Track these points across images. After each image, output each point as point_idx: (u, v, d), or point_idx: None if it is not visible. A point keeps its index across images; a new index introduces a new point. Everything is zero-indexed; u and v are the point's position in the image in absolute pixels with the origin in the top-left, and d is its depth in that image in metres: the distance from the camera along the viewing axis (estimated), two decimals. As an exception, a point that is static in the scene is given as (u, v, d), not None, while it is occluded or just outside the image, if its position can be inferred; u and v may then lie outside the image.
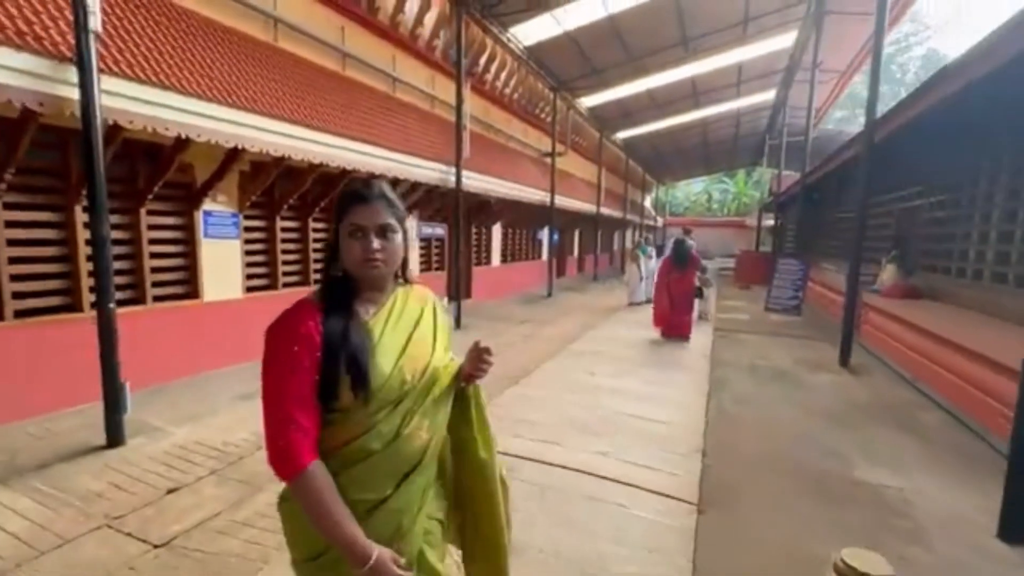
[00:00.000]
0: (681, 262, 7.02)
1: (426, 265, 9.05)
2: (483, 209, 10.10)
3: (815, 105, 17.10)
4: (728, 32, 10.48)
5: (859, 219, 5.69)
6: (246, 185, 5.29)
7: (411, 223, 8.23)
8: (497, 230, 11.54)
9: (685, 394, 4.59)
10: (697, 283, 7.30)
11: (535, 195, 11.17)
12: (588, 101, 13.81)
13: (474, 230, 10.53)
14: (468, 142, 7.68)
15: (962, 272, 5.72)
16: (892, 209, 7.59)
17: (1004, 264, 4.92)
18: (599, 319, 8.68)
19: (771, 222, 20.06)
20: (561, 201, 12.73)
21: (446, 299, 8.13)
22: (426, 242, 9.00)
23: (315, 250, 6.37)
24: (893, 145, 6.07)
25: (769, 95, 16.04)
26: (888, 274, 6.71)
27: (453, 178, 7.45)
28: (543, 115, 13.41)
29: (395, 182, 6.86)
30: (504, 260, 12.04)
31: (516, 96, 11.82)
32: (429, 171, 7.13)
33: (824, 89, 15.56)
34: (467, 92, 8.41)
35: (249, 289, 5.55)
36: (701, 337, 7.38)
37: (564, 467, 3.05)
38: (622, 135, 18.35)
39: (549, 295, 11.97)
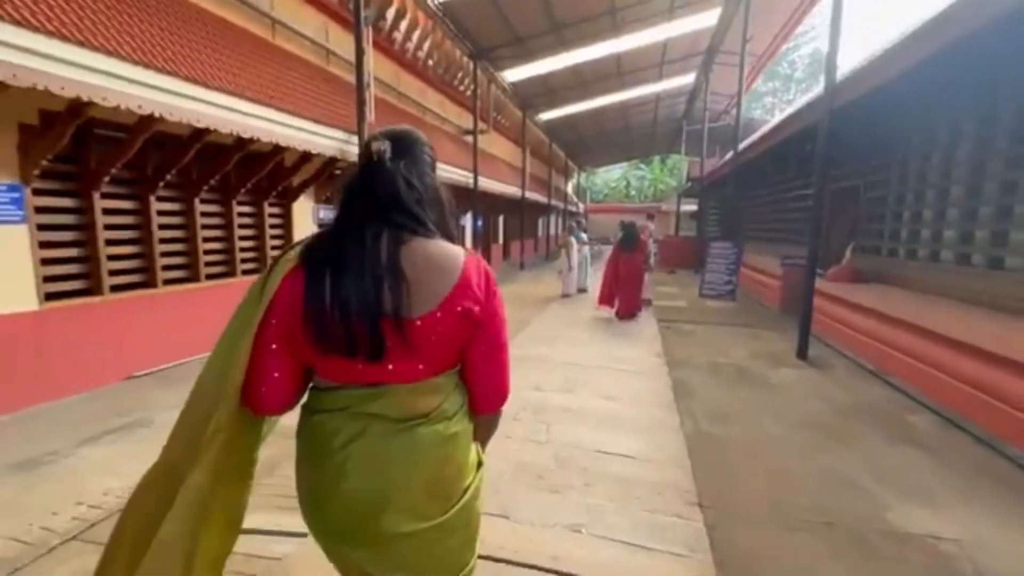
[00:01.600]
0: (628, 245, 7.28)
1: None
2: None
3: (731, 92, 17.62)
4: (657, 2, 9.89)
5: (817, 197, 5.18)
6: (30, 145, 3.60)
7: (305, 205, 6.71)
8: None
9: (651, 410, 3.74)
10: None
11: (455, 175, 9.95)
12: (511, 75, 12.74)
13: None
14: (373, 105, 6.30)
15: (913, 254, 5.45)
16: (836, 188, 7.34)
17: (968, 244, 4.60)
18: (533, 313, 7.74)
19: (690, 207, 20.49)
20: (485, 183, 11.62)
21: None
22: (327, 229, 7.49)
23: (162, 240, 4.75)
24: (847, 117, 5.63)
25: (689, 78, 16.00)
26: (847, 259, 6.38)
27: (355, 148, 6.05)
28: (462, 88, 12.15)
29: (276, 149, 5.35)
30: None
31: (432, 63, 10.45)
32: (324, 139, 5.69)
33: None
34: (371, 49, 6.98)
35: (51, 296, 3.88)
36: (646, 327, 6.71)
37: (521, 565, 2.00)
38: (546, 116, 17.55)
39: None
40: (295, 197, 6.40)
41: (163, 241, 4.80)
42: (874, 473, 2.84)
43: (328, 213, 7.13)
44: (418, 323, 0.90)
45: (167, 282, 4.86)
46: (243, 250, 5.81)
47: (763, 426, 3.51)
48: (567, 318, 7.48)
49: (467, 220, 12.56)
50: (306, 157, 5.83)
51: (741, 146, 9.76)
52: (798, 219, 8.86)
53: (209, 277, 5.35)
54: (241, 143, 4.86)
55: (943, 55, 4.00)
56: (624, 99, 16.80)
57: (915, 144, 5.46)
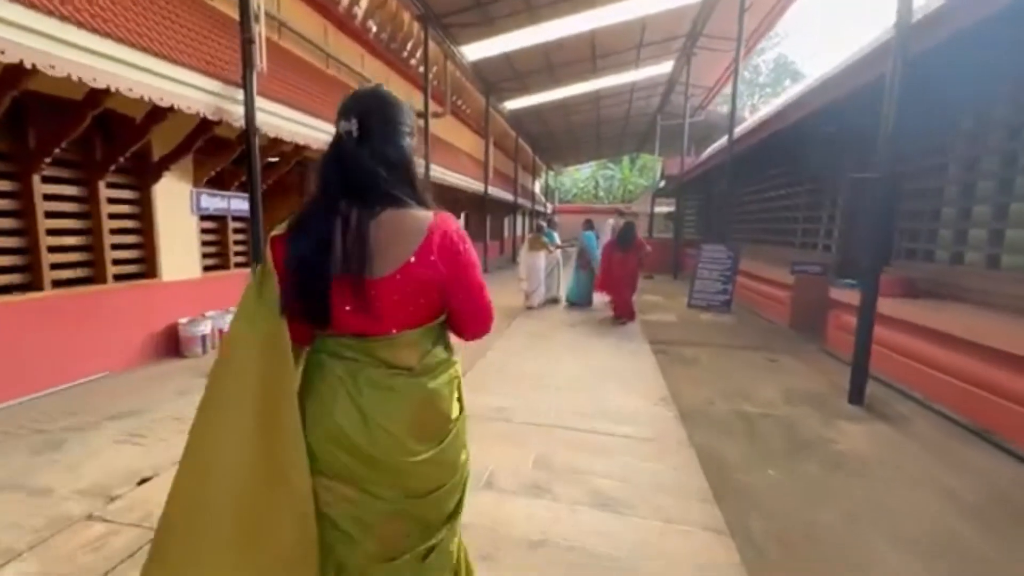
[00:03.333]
0: (624, 244, 7.03)
1: (219, 261, 5.68)
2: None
3: (708, 84, 16.54)
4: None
5: (882, 184, 3.72)
6: None
7: (176, 188, 4.86)
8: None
9: (684, 538, 2.16)
10: None
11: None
12: (472, 52, 11.08)
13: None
14: (264, 49, 4.53)
15: (995, 261, 4.10)
16: (858, 178, 6.02)
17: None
18: (492, 335, 6.09)
19: (664, 208, 19.33)
20: (440, 174, 9.93)
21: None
22: (216, 223, 5.63)
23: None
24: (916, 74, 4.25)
25: (666, 67, 14.77)
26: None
27: (240, 106, 4.25)
28: (414, 62, 10.42)
29: (98, 93, 3.53)
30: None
31: (374, 26, 8.69)
32: (189, 88, 3.88)
33: (719, 65, 14.76)
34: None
35: None
36: (640, 353, 5.19)
37: None
38: (512, 105, 15.97)
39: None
40: (156, 176, 4.56)
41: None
42: None
43: (213, 201, 5.28)
44: (380, 283, 1.01)
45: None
46: (54, 249, 3.93)
47: (883, 561, 1.99)
48: (536, 341, 5.87)
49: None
50: (160, 113, 4.01)
51: (739, 130, 8.42)
52: (809, 218, 7.58)
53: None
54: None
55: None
56: (597, 88, 15.43)
57: (997, 115, 4.13)
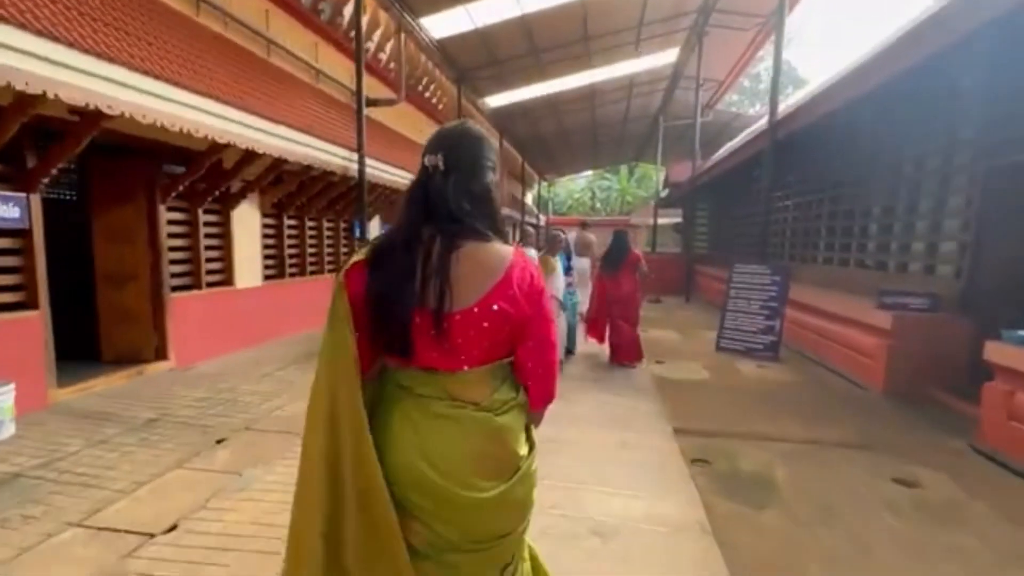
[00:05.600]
0: (613, 262, 5.31)
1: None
2: (217, 170, 4.80)
3: (719, 76, 14.46)
4: None
5: None
6: None
7: None
8: (250, 215, 6.12)
9: None
10: None
11: (336, 158, 6.05)
12: (433, 24, 8.95)
13: (177, 212, 5.06)
14: None
15: None
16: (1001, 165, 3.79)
17: None
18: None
19: (669, 220, 17.13)
20: (394, 176, 7.72)
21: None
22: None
23: None
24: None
25: (670, 56, 12.72)
26: None
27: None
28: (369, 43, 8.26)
29: None
30: (274, 276, 6.64)
31: (292, -21, 6.55)
32: None
33: (731, 52, 12.72)
34: None
35: None
36: (667, 490, 2.84)
37: None
38: (494, 102, 13.89)
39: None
40: None
41: None
42: None
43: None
44: (456, 317, 1.00)
45: None
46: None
47: None
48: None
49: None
50: None
51: (785, 107, 6.16)
52: (886, 227, 5.34)
53: None
54: None
55: None
56: (591, 82, 13.36)
57: None
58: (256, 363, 5.28)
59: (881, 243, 5.47)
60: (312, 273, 7.48)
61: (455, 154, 1.06)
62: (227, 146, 4.48)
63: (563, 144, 20.54)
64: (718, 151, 12.47)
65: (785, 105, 6.30)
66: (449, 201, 1.02)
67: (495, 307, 1.00)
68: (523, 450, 1.09)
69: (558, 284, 4.91)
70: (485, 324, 1.00)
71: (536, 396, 1.13)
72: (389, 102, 8.46)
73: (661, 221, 16.58)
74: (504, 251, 1.05)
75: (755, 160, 7.38)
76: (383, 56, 9.10)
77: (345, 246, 8.22)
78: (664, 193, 17.76)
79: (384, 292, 0.98)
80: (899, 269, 5.13)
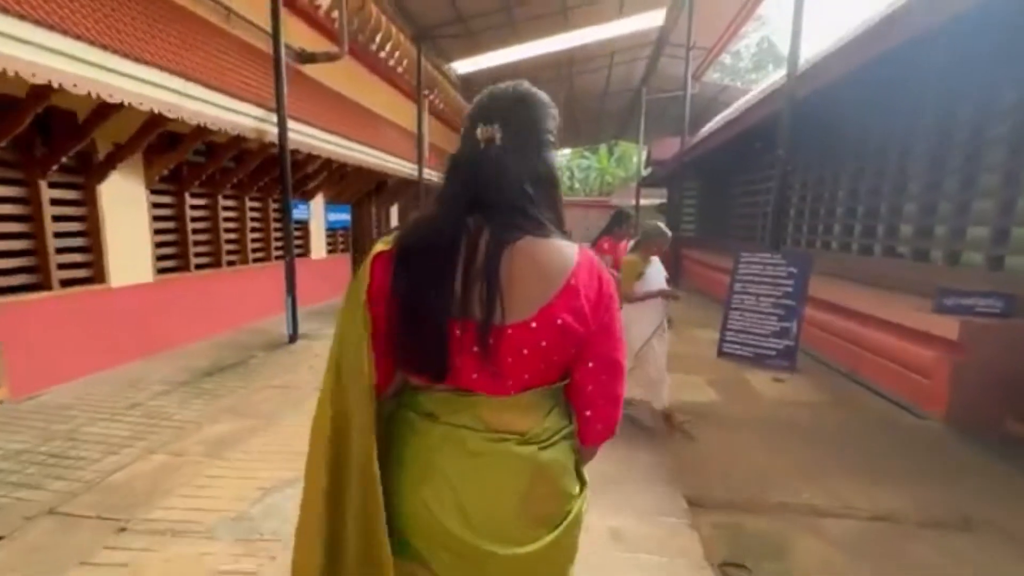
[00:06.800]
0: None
1: None
2: (65, 128, 3.44)
3: (708, 43, 13.31)
4: None
5: None
6: None
7: None
8: (130, 191, 4.74)
9: None
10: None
11: (261, 122, 4.73)
12: (383, -34, 7.52)
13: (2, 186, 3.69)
14: None
15: None
16: None
17: None
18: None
19: (651, 200, 16.07)
20: (332, 145, 6.40)
21: None
22: None
23: None
24: None
25: (657, 18, 11.49)
26: None
27: None
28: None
29: None
30: (173, 269, 5.30)
31: None
32: None
33: (721, 16, 11.56)
34: None
35: None
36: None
37: None
38: (462, 67, 12.48)
39: (293, 338, 5.59)
40: None
41: None
42: None
43: None
44: (508, 332, 0.77)
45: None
46: None
47: None
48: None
49: (302, 210, 7.18)
50: None
51: (808, 58, 5.01)
52: (928, 206, 4.32)
53: None
54: None
55: None
56: (570, 47, 12.05)
57: None
58: (131, 385, 4.01)
59: (922, 227, 4.46)
60: (232, 264, 6.15)
61: (516, 123, 0.83)
62: (56, 90, 3.13)
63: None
64: (705, 126, 11.42)
65: (768, 83, 5.15)
66: (511, 183, 0.81)
67: (559, 321, 0.77)
68: (575, 488, 0.87)
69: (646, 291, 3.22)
70: (543, 343, 0.78)
71: (591, 430, 0.88)
72: (329, 57, 7.08)
73: (643, 202, 15.53)
74: (568, 249, 0.81)
75: (761, 129, 6.27)
76: (322, 2, 7.63)
77: (279, 230, 6.88)
78: (647, 172, 16.72)
79: (415, 295, 0.77)
80: (949, 260, 4.14)
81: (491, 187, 0.81)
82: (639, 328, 3.19)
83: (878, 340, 4.03)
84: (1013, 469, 2.81)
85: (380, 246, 0.83)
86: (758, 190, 7.88)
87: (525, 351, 0.78)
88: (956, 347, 3.28)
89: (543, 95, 0.89)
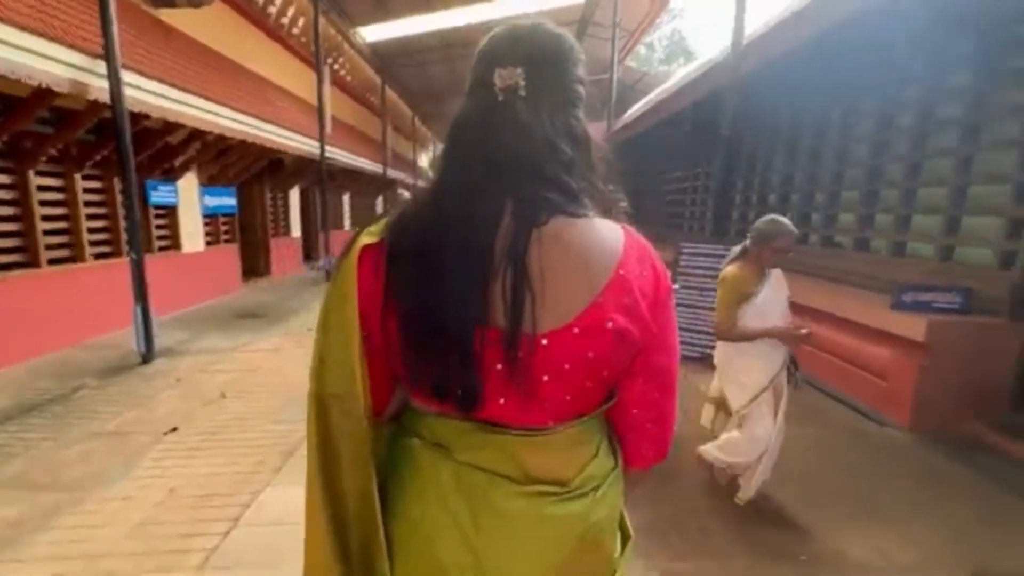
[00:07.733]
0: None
1: None
2: None
3: (630, 27, 13.04)
4: None
5: None
6: None
7: None
8: None
9: None
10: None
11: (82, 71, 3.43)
12: None
13: None
14: None
15: None
16: None
17: None
18: None
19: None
20: (199, 111, 5.11)
21: None
22: None
23: None
24: None
25: (581, -7, 10.96)
26: None
27: None
28: None
29: None
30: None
31: None
32: None
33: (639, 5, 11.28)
34: None
35: None
36: None
37: None
38: (371, 34, 11.17)
39: (147, 358, 4.35)
40: None
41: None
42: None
43: None
44: (544, 342, 0.57)
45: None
46: None
47: None
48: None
49: (151, 191, 5.76)
50: None
51: (749, 33, 4.58)
52: (885, 179, 4.09)
53: None
54: None
55: None
56: (489, 18, 11.20)
57: None
58: None
59: (863, 216, 4.26)
60: (58, 261, 4.71)
61: (544, 69, 0.61)
62: None
63: (457, 98, 18.17)
64: (626, 112, 11.14)
65: (686, 70, 4.74)
66: (540, 145, 0.59)
67: (610, 324, 0.58)
68: (618, 550, 0.71)
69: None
70: (591, 354, 0.58)
71: (637, 453, 0.69)
72: (191, 2, 5.69)
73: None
74: (611, 231, 0.61)
75: (701, 108, 5.87)
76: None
77: (127, 218, 5.46)
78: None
79: (428, 299, 0.57)
80: (894, 251, 3.93)
81: (512, 150, 0.59)
82: (748, 375, 2.17)
83: (830, 339, 3.74)
84: (992, 484, 2.54)
85: (365, 239, 0.61)
86: (697, 175, 7.62)
87: (567, 366, 0.58)
88: (922, 349, 3.00)
89: (570, 38, 0.65)
